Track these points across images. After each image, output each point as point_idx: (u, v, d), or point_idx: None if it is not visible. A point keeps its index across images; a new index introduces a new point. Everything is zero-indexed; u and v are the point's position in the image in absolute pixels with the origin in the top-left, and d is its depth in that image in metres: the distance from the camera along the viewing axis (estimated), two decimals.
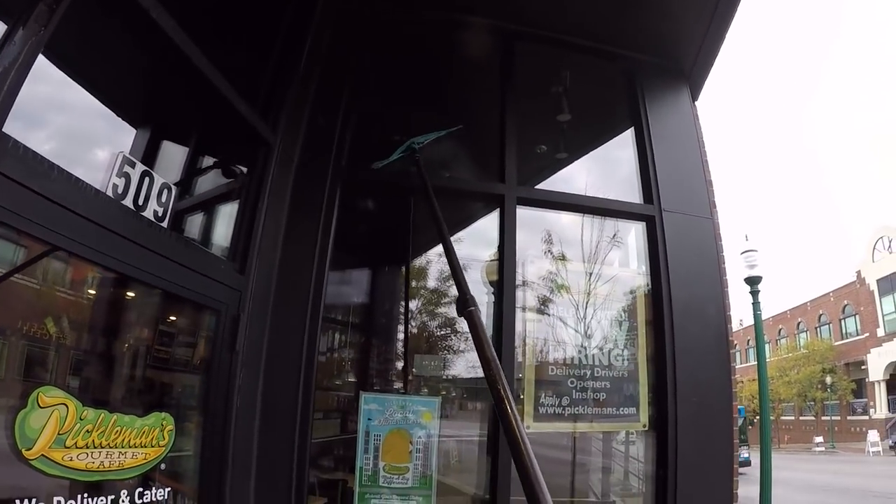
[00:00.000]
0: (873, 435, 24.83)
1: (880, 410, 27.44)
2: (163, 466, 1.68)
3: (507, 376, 2.43)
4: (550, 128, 3.27)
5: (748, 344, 39.43)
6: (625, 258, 3.09)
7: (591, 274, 2.92)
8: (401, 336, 4.33)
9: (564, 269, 2.88)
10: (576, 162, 3.26)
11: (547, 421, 2.56)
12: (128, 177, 1.59)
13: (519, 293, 2.67)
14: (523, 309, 2.64)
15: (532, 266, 2.78)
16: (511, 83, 3.08)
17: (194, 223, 2.27)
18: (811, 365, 29.40)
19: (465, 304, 1.60)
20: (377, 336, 4.44)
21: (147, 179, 1.66)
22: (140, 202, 1.64)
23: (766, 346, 35.50)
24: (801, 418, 33.32)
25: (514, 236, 2.63)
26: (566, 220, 3.10)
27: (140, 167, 1.64)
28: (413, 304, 3.95)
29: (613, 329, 2.83)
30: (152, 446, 1.64)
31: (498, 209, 2.76)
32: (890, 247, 27.59)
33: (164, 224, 1.76)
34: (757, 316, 8.54)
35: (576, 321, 2.77)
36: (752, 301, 8.59)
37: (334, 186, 2.57)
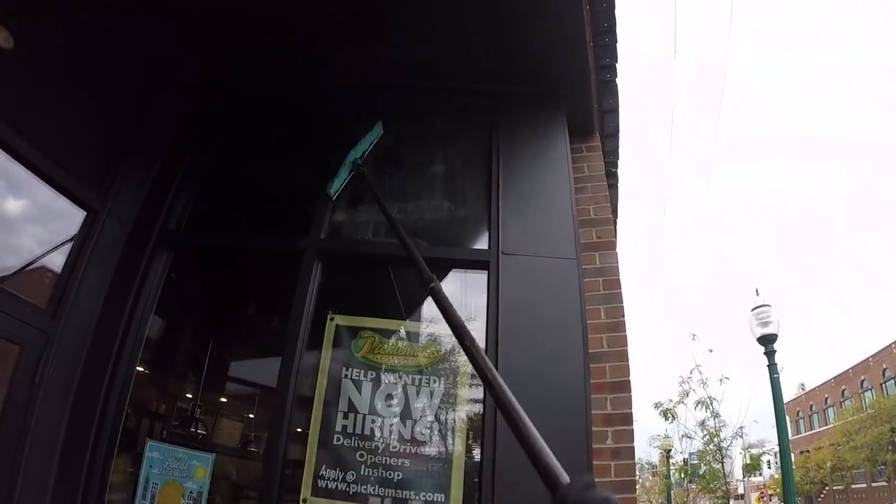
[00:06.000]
0: None
1: None
2: None
3: (275, 441, 2.26)
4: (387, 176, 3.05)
5: (811, 410, 37.92)
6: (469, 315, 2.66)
7: (408, 333, 2.58)
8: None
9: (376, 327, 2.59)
10: (423, 213, 2.92)
11: (326, 497, 2.26)
12: None
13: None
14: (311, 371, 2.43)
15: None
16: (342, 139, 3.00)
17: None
18: (879, 425, 26.00)
19: (427, 281, 1.84)
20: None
21: None
22: None
23: (831, 409, 34.46)
24: (873, 485, 29.43)
25: (305, 292, 2.49)
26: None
27: None
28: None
29: (423, 398, 2.42)
30: None
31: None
32: None
33: None
34: (774, 380, 7.13)
35: (373, 386, 2.45)
36: (767, 363, 7.21)
37: (156, 252, 2.75)
